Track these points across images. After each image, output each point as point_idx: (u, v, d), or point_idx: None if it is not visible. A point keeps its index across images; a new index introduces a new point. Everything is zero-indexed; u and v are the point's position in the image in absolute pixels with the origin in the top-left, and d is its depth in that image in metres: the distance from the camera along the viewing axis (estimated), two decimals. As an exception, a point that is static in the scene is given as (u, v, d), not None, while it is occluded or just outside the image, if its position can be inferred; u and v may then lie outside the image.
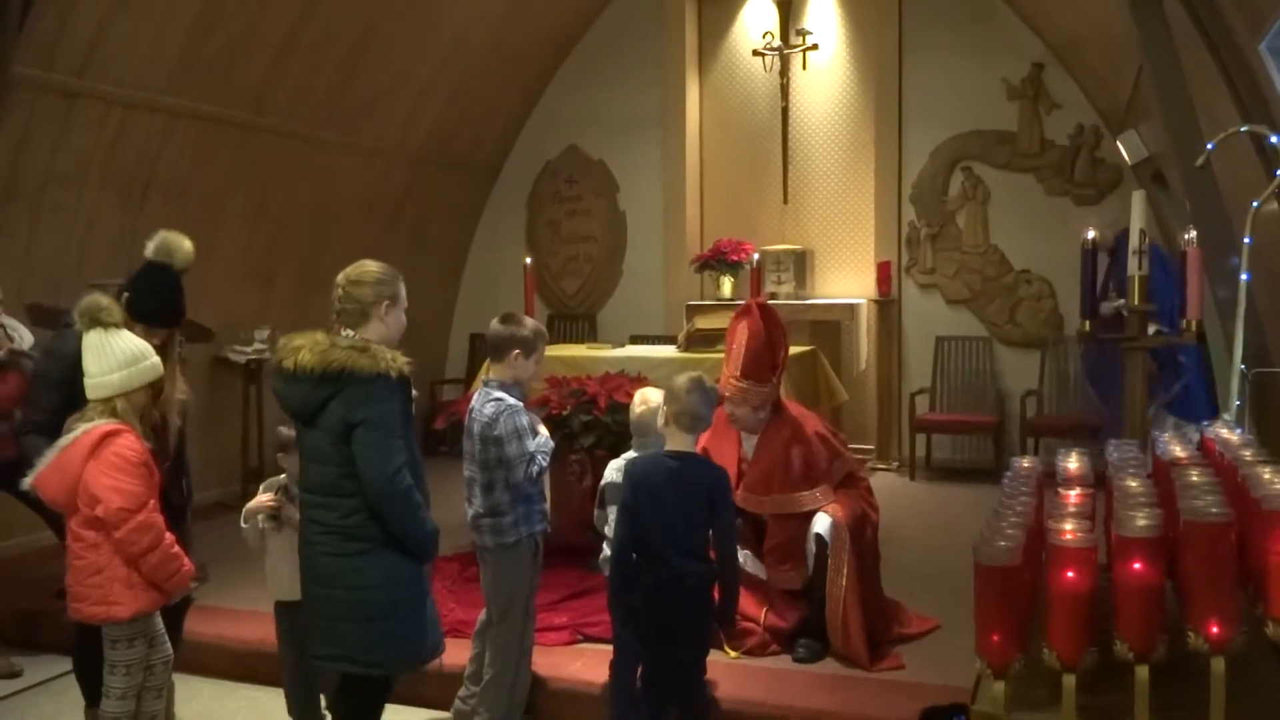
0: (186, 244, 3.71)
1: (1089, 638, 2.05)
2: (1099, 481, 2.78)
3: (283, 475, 3.73)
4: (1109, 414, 5.83)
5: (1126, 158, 6.92)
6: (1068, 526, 2.10)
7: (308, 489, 3.16)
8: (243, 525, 3.71)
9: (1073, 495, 2.47)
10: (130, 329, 3.55)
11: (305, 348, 3.04)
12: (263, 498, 3.71)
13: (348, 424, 2.99)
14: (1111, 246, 5.94)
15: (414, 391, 3.18)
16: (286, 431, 3.58)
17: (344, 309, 3.16)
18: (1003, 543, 2.07)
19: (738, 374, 4.30)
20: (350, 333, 3.12)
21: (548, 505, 3.92)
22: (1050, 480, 2.82)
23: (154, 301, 3.67)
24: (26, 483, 3.36)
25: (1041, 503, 2.64)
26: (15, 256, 5.66)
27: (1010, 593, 2.05)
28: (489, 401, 3.70)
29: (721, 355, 4.77)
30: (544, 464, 3.69)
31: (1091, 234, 4.41)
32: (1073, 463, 2.82)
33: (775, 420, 4.42)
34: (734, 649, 4.26)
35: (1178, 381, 5.84)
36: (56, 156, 5.83)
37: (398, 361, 3.04)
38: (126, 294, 3.66)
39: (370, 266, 3.22)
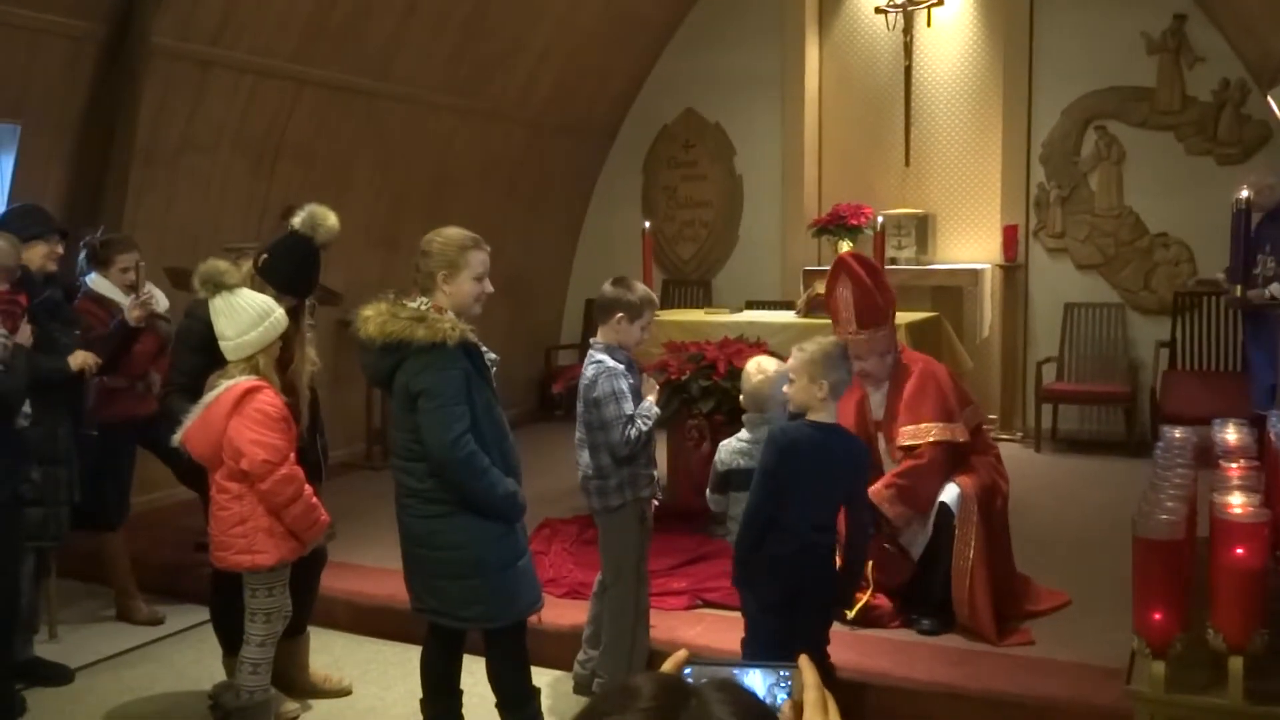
0: (332, 219, 3.74)
1: (1258, 618, 1.93)
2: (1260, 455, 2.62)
3: None
4: (1259, 386, 5.50)
5: (1278, 113, 6.51)
6: (1236, 500, 1.97)
7: (395, 453, 3.23)
8: None
9: (1236, 467, 2.33)
10: (262, 289, 3.63)
11: (370, 318, 3.09)
12: None
13: (410, 393, 3.05)
14: (1271, 208, 5.49)
15: (491, 355, 3.18)
16: None
17: (415, 277, 3.21)
18: (1165, 516, 1.95)
19: (854, 328, 4.22)
20: (423, 299, 3.13)
21: (656, 471, 3.88)
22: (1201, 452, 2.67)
23: (287, 270, 3.71)
24: (176, 439, 3.48)
25: (1197, 475, 2.50)
26: (154, 221, 5.87)
27: (1172, 569, 1.94)
28: (591, 364, 3.70)
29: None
30: (644, 428, 3.62)
31: (1245, 193, 4.16)
32: (1231, 434, 2.66)
33: (901, 365, 4.33)
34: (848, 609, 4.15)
35: None
36: (192, 123, 6.01)
37: (456, 330, 3.04)
38: (265, 256, 3.73)
39: (440, 235, 3.23)
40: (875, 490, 4.03)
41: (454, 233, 3.24)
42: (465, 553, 3.13)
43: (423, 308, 3.10)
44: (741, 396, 3.68)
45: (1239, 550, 1.90)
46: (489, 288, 3.27)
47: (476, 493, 3.08)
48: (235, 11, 5.87)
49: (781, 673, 1.13)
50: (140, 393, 4.63)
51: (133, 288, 4.54)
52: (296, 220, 3.72)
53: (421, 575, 3.23)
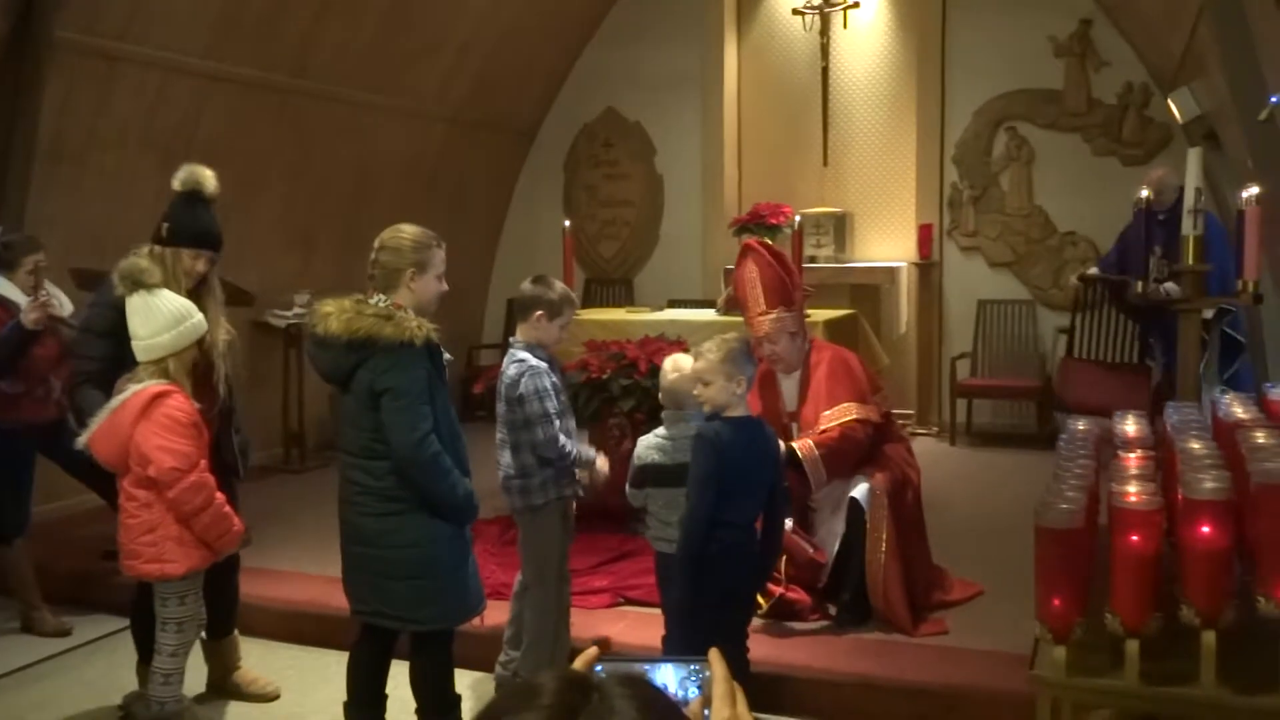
0: (209, 172, 3.71)
1: (1153, 603, 2.00)
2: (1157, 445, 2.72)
3: None
4: (1167, 377, 5.71)
5: (1178, 116, 6.74)
6: (1132, 489, 2.05)
7: (346, 451, 3.19)
8: None
9: (1133, 458, 2.41)
10: (175, 261, 3.56)
11: (333, 314, 3.06)
12: None
13: (374, 391, 3.03)
14: (1170, 207, 5.64)
15: (447, 356, 3.19)
16: None
17: (374, 274, 3.18)
18: (1065, 505, 2.02)
19: (764, 308, 4.31)
20: (382, 297, 3.12)
21: (579, 470, 3.88)
22: (1103, 444, 2.77)
23: (191, 224, 3.65)
24: (81, 443, 3.38)
25: (1099, 466, 2.59)
26: (59, 219, 5.69)
27: (1072, 556, 2.01)
28: (513, 363, 3.69)
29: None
30: (568, 451, 3.64)
31: (1145, 192, 4.30)
32: (1130, 425, 2.76)
33: (812, 354, 4.43)
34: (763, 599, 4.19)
35: (1238, 359, 5.70)
36: (98, 120, 5.84)
37: (423, 329, 3.04)
38: (166, 224, 3.64)
39: (404, 232, 3.22)
40: (805, 446, 4.10)
41: (417, 230, 3.23)
42: (418, 551, 3.11)
43: (382, 305, 3.09)
44: (660, 394, 3.71)
45: (1134, 537, 1.97)
46: (445, 286, 3.28)
47: (439, 493, 3.08)
48: (144, 5, 5.71)
49: (692, 667, 1.15)
50: (40, 398, 4.49)
51: (35, 289, 4.40)
52: (177, 183, 3.67)
53: (367, 575, 3.19)
